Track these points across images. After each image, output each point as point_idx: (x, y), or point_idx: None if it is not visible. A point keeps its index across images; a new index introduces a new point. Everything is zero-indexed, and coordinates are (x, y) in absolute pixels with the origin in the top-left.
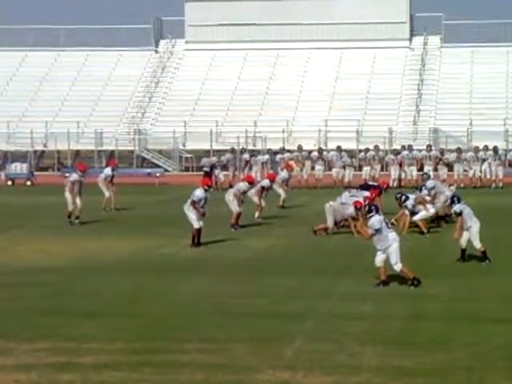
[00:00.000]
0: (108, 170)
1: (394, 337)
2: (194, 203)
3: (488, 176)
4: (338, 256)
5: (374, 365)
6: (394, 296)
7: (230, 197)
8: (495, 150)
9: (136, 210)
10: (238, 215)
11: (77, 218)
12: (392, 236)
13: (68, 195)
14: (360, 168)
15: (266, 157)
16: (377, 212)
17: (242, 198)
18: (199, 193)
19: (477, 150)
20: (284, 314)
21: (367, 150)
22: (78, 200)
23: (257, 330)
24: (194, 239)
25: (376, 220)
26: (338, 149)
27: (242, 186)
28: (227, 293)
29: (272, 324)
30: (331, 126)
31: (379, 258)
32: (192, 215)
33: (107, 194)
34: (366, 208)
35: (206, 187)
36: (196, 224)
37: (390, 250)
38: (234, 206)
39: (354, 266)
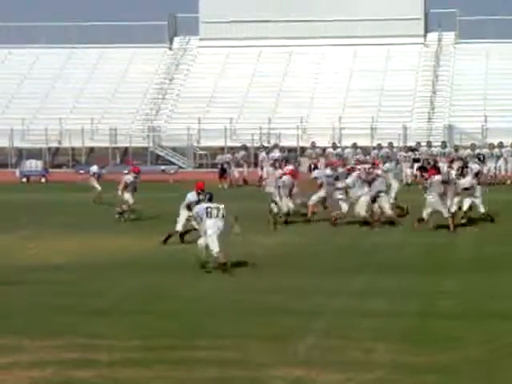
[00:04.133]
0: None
1: (407, 334)
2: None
3: (503, 173)
4: (350, 253)
5: (387, 362)
6: (407, 293)
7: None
8: None
9: (149, 207)
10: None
11: (121, 213)
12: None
13: (121, 194)
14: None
15: (278, 154)
16: None
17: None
18: (190, 196)
19: (492, 146)
20: (297, 310)
21: (380, 147)
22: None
23: (270, 326)
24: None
25: None
26: (354, 146)
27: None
28: (240, 290)
29: (285, 321)
30: (345, 123)
31: None
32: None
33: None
34: None
35: (198, 191)
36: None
37: None
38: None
39: (366, 263)
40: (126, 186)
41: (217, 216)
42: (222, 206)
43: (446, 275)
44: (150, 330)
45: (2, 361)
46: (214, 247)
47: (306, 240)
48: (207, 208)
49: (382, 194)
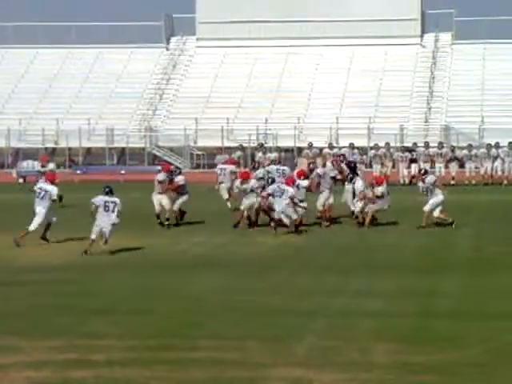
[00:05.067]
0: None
1: (406, 334)
2: None
3: (500, 173)
4: (349, 253)
5: (386, 362)
6: (405, 293)
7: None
8: (511, 146)
9: (147, 207)
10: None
11: (167, 219)
12: None
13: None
14: (371, 165)
15: (274, 154)
16: None
17: None
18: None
19: (489, 147)
20: (296, 311)
21: (377, 147)
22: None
23: (269, 327)
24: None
25: None
26: (351, 146)
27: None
28: (239, 290)
29: (284, 321)
30: (342, 123)
31: None
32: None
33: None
34: None
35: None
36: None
37: None
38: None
39: (365, 263)
40: (168, 186)
41: (113, 211)
42: (117, 201)
43: (444, 275)
44: (149, 330)
45: (0, 361)
46: (92, 235)
47: (305, 240)
48: (105, 202)
49: (325, 192)
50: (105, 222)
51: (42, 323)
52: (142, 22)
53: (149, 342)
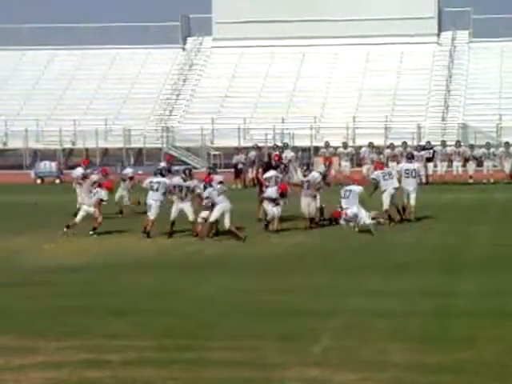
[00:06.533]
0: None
1: (422, 333)
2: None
3: None
4: (364, 253)
5: (402, 362)
6: (421, 293)
7: None
8: None
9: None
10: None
11: None
12: None
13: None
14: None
15: (291, 154)
16: None
17: None
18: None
19: (507, 145)
20: (311, 311)
21: (392, 146)
22: None
23: (284, 327)
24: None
25: None
26: (370, 145)
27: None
28: (254, 290)
29: (299, 321)
30: (359, 123)
31: None
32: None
33: None
34: None
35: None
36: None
37: None
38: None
39: (380, 263)
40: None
41: (157, 189)
42: (163, 180)
43: (461, 274)
44: (164, 330)
45: (18, 362)
46: (151, 215)
47: (320, 240)
48: (150, 182)
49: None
50: (151, 199)
51: (59, 323)
52: (158, 23)
53: (164, 342)
